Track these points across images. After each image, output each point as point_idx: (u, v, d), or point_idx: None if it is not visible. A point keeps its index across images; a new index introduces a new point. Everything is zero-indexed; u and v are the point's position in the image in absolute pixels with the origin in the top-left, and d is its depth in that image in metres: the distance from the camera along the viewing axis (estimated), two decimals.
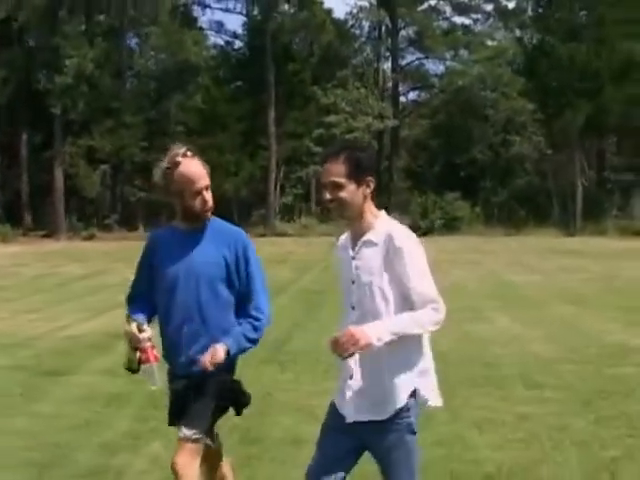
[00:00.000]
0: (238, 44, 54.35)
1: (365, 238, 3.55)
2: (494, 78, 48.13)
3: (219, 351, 3.83)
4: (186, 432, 3.86)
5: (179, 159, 3.88)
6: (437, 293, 3.47)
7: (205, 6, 54.86)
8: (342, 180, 3.47)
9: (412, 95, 57.62)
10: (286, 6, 49.30)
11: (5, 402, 7.67)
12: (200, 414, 3.92)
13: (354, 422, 3.50)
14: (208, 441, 3.93)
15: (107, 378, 8.49)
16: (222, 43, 54.88)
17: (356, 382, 3.52)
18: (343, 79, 48.98)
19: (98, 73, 42.27)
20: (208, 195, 3.95)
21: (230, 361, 3.95)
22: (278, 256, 25.07)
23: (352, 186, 3.48)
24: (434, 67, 56.16)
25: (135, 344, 3.93)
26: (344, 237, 3.74)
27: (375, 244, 3.51)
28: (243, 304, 4.03)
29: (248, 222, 44.94)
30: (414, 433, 3.48)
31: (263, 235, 41.39)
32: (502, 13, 55.20)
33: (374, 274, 3.48)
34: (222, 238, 4.02)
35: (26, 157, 45.42)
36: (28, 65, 43.72)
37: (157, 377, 3.91)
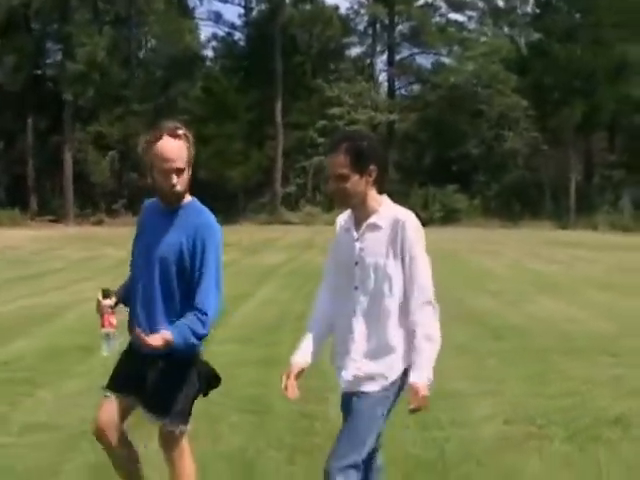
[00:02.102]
0: (238, 35, 55.67)
1: (370, 221, 3.62)
2: (489, 75, 49.52)
3: (160, 338, 3.70)
4: (157, 422, 3.94)
5: (162, 134, 3.79)
6: (433, 292, 3.61)
7: None
8: (345, 171, 3.54)
9: (405, 90, 58.75)
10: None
11: None
12: (177, 399, 3.90)
13: (347, 394, 3.70)
14: (183, 426, 3.97)
15: None
16: (222, 34, 56.03)
17: (354, 359, 3.64)
18: (343, 72, 50.38)
19: (108, 61, 43.12)
20: (176, 179, 3.81)
21: (182, 352, 3.82)
22: (304, 242, 26.12)
23: (356, 176, 3.55)
24: (427, 62, 56.76)
25: (98, 310, 4.04)
26: (345, 218, 3.78)
27: (380, 227, 3.60)
28: (192, 295, 3.83)
29: (254, 210, 46.23)
30: (387, 405, 3.63)
31: (270, 223, 42.63)
32: (495, 11, 56.73)
33: (378, 256, 3.57)
34: (186, 225, 3.87)
35: (32, 142, 46.19)
36: (37, 52, 44.50)
37: (108, 344, 4.01)
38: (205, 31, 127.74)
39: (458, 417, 6.73)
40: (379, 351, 3.61)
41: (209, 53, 56.28)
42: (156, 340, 3.66)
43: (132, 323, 3.96)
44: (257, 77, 45.84)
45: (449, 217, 43.57)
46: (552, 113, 46.24)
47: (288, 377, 3.74)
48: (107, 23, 45.34)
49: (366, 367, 3.61)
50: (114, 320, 4.02)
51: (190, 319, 3.77)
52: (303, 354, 3.79)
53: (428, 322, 3.57)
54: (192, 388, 3.93)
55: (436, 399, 7.09)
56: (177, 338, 3.71)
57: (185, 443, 3.98)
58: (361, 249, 3.62)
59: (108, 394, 3.94)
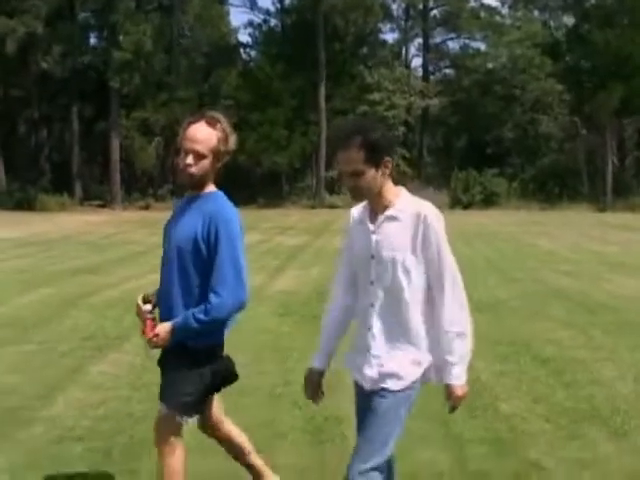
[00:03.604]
0: (274, 22, 56.42)
1: (387, 213, 3.46)
2: (525, 60, 50.01)
3: (163, 330, 3.85)
4: (160, 407, 4.00)
5: (199, 119, 3.86)
6: (461, 283, 3.49)
7: None
8: (361, 167, 3.37)
9: (439, 74, 59.20)
10: None
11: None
12: (179, 390, 3.93)
13: (369, 392, 3.52)
14: (182, 418, 4.00)
15: None
16: (258, 21, 56.77)
17: (374, 355, 3.50)
18: (380, 58, 51.15)
19: (153, 48, 43.94)
20: (192, 160, 3.83)
21: (198, 349, 3.91)
22: None
23: (372, 171, 3.39)
24: (461, 47, 57.19)
25: (139, 316, 3.99)
26: (359, 210, 3.63)
27: (398, 219, 3.44)
28: (207, 285, 3.85)
29: (297, 194, 47.08)
30: (408, 405, 3.51)
31: (313, 207, 43.51)
32: None
33: (396, 249, 3.42)
34: (203, 213, 3.86)
35: (77, 130, 47.16)
36: (82, 41, 45.41)
37: (148, 349, 3.97)
38: (238, 18, 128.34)
39: (592, 378, 7.52)
40: (401, 347, 3.47)
41: (246, 39, 56.98)
42: (162, 336, 3.84)
43: (159, 315, 4.00)
44: (300, 64, 46.47)
45: (489, 200, 44.24)
46: (588, 97, 46.64)
47: (310, 386, 3.75)
48: (150, 11, 46.02)
49: (389, 364, 3.46)
50: (154, 324, 3.91)
51: (199, 308, 3.80)
52: (321, 358, 3.73)
53: (458, 318, 3.44)
54: (202, 383, 3.91)
55: (564, 364, 8.00)
56: (179, 326, 3.81)
57: (178, 441, 3.96)
58: (377, 242, 3.46)
59: None
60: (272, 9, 56.35)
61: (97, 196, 47.18)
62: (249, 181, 45.57)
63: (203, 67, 49.26)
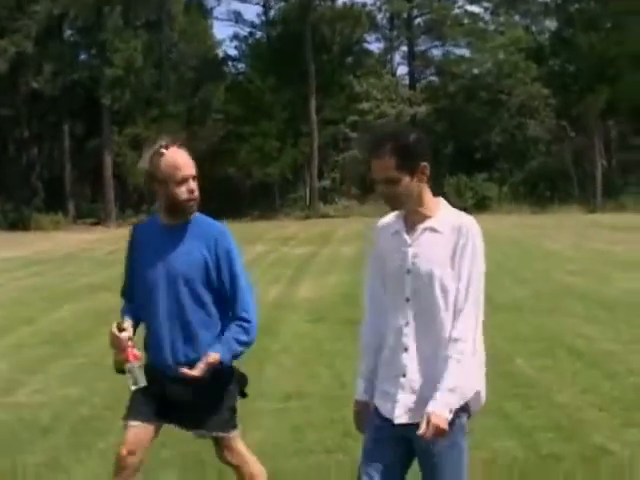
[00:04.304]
0: (259, 34, 56.73)
1: (427, 224, 3.20)
2: (510, 65, 50.52)
3: (204, 366, 3.72)
4: (223, 434, 3.92)
5: (165, 148, 3.74)
6: (482, 306, 3.17)
7: None
8: (395, 174, 3.14)
9: (425, 82, 59.54)
10: None
11: None
12: (221, 410, 3.90)
13: (403, 425, 3.17)
14: (235, 429, 3.99)
15: None
16: (244, 33, 57.06)
17: (410, 380, 3.17)
18: (366, 67, 51.61)
19: (143, 64, 44.20)
20: (194, 185, 3.79)
21: (225, 367, 3.84)
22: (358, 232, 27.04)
23: (407, 178, 3.15)
24: (446, 54, 57.60)
25: (115, 344, 3.82)
26: (391, 220, 3.36)
27: (439, 232, 3.18)
28: (229, 305, 3.85)
29: (289, 205, 47.38)
30: (465, 434, 3.20)
31: (308, 217, 43.81)
32: (509, 2, 57.64)
33: (435, 264, 3.14)
34: (202, 235, 3.82)
35: (69, 147, 47.29)
36: (73, 58, 45.67)
37: (138, 376, 3.78)
38: (222, 31, 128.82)
39: (631, 368, 7.85)
40: (440, 372, 3.09)
41: (232, 52, 57.35)
42: (201, 370, 3.69)
43: (155, 347, 3.89)
44: (289, 75, 46.84)
45: (480, 204, 44.65)
46: (575, 100, 47.20)
47: (361, 419, 3.43)
48: (139, 27, 46.32)
49: (428, 390, 3.10)
50: (137, 352, 3.80)
51: (234, 330, 3.78)
52: (367, 388, 3.38)
53: (464, 344, 3.09)
54: (233, 397, 3.96)
55: (598, 356, 8.32)
56: (225, 354, 3.75)
57: (242, 447, 4.01)
58: (415, 255, 3.18)
59: (134, 424, 3.87)
60: (257, 21, 56.54)
61: (90, 214, 47.24)
62: (239, 193, 45.82)
63: (192, 81, 49.49)
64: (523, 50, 50.93)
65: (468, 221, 3.19)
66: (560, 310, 11.55)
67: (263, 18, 56.05)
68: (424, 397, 3.09)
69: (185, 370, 3.69)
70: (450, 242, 3.14)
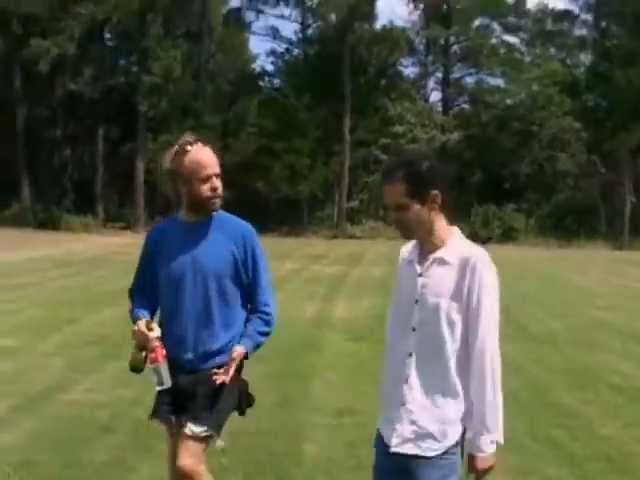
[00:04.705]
0: (296, 51, 57.29)
1: (437, 255, 3.18)
2: (544, 98, 50.68)
3: (237, 354, 3.81)
4: (195, 429, 3.81)
5: (189, 146, 3.79)
6: (497, 344, 3.16)
7: (258, 12, 57.39)
8: (405, 201, 3.12)
9: (458, 109, 59.84)
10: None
11: None
12: (219, 410, 3.88)
13: (400, 454, 3.16)
14: (217, 438, 3.99)
15: None
16: (281, 50, 57.59)
17: (408, 410, 3.17)
18: (401, 91, 51.93)
19: (181, 74, 44.74)
20: (218, 183, 3.83)
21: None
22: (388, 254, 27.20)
23: (417, 205, 3.12)
24: (480, 83, 57.86)
25: (144, 343, 3.82)
26: (409, 248, 3.37)
27: (448, 263, 3.16)
28: (251, 300, 3.96)
29: (317, 224, 47.61)
30: (455, 473, 3.16)
31: (335, 237, 44.04)
32: (546, 34, 57.91)
33: (443, 296, 3.13)
34: (230, 232, 3.90)
35: (102, 151, 47.84)
36: (114, 64, 46.28)
37: (165, 377, 3.80)
38: (259, 46, 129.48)
39: None
40: (439, 404, 3.13)
41: (268, 67, 57.88)
42: (229, 372, 3.77)
43: (178, 342, 3.89)
44: (325, 94, 47.21)
45: (507, 235, 44.77)
46: (607, 136, 47.28)
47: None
48: (179, 37, 46.89)
49: (425, 422, 3.13)
50: (164, 351, 3.81)
51: (256, 322, 3.91)
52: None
53: (484, 385, 3.10)
54: (232, 403, 3.94)
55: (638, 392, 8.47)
56: (249, 346, 3.86)
57: (203, 462, 3.91)
58: (424, 286, 3.17)
59: (171, 422, 3.97)
60: (294, 38, 57.09)
61: (118, 218, 47.68)
62: (267, 208, 46.07)
63: (228, 94, 50.00)
64: (558, 83, 51.08)
65: (477, 253, 3.15)
66: (596, 344, 11.69)
67: (300, 36, 56.69)
68: (422, 428, 3.12)
69: (218, 376, 3.74)
70: (456, 273, 3.12)
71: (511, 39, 58.94)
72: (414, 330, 3.18)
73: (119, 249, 29.46)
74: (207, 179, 3.78)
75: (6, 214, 45.10)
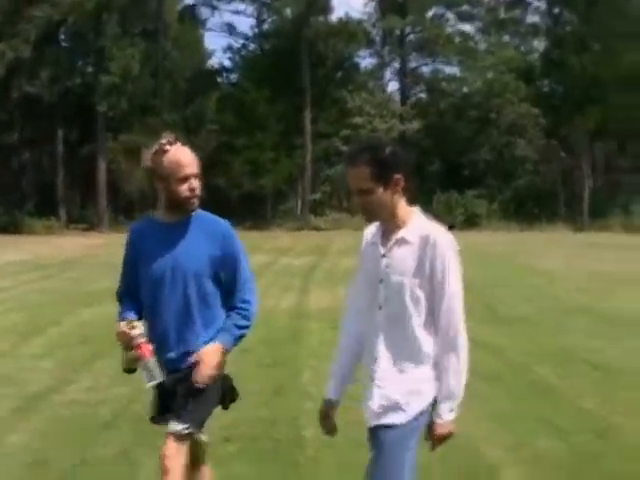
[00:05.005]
0: (252, 46, 57.39)
1: (398, 236, 3.30)
2: (500, 85, 51.30)
3: (214, 355, 3.83)
4: (176, 427, 3.78)
5: (168, 145, 3.79)
6: (462, 318, 3.28)
7: (213, 8, 57.34)
8: (369, 185, 3.23)
9: (415, 99, 60.28)
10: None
11: None
12: (199, 408, 3.85)
13: (371, 428, 3.34)
14: (199, 435, 3.97)
15: None
16: (237, 45, 57.67)
17: (378, 385, 3.33)
18: (358, 82, 52.38)
19: (139, 72, 44.62)
20: (196, 183, 3.81)
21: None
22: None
23: (380, 189, 3.23)
24: (436, 72, 58.36)
25: (128, 342, 3.81)
26: (372, 231, 3.48)
27: (409, 242, 3.27)
28: (230, 297, 3.95)
29: (281, 217, 47.84)
30: (415, 437, 3.32)
31: (300, 229, 44.31)
32: (500, 22, 58.54)
33: (406, 274, 3.25)
34: (209, 232, 3.89)
35: (62, 153, 47.57)
36: (70, 65, 46.02)
37: (156, 372, 3.78)
38: (215, 42, 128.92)
39: None
40: (406, 377, 3.29)
41: (225, 63, 57.94)
42: (212, 366, 3.81)
43: (161, 343, 3.89)
44: (284, 88, 47.42)
45: (470, 221, 45.43)
46: (564, 121, 48.05)
47: (325, 418, 3.62)
48: (136, 35, 46.76)
49: (393, 395, 3.28)
50: (151, 347, 3.82)
51: (233, 317, 3.91)
52: (335, 390, 3.58)
53: (449, 354, 3.26)
54: (215, 399, 3.95)
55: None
56: (228, 340, 3.88)
57: (185, 458, 3.86)
58: (387, 265, 3.30)
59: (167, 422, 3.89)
60: (250, 33, 57.19)
61: (81, 219, 47.51)
62: (229, 204, 46.13)
63: (185, 91, 49.95)
64: (513, 70, 51.73)
65: (437, 232, 3.27)
66: (565, 325, 12.07)
67: (256, 30, 56.81)
68: (389, 400, 3.27)
69: (196, 381, 3.77)
70: (417, 251, 3.24)
71: (466, 28, 59.58)
72: (380, 309, 3.32)
73: (88, 250, 29.44)
74: (185, 179, 3.76)
75: None
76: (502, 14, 58.38)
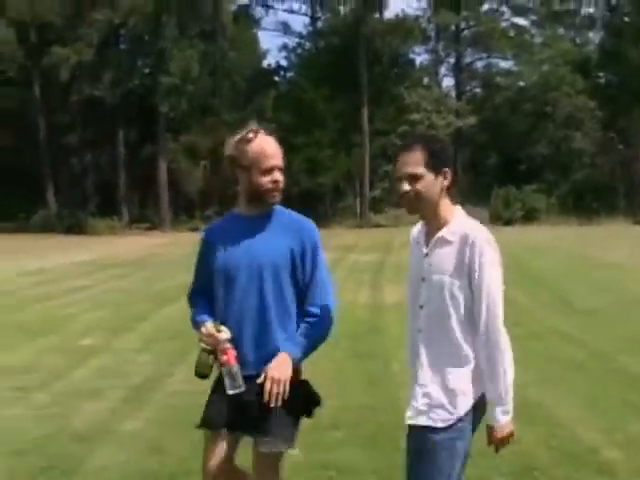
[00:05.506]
0: (308, 45, 57.78)
1: (439, 235, 3.31)
2: (557, 78, 51.03)
3: (283, 369, 3.57)
4: (270, 448, 3.59)
5: (253, 134, 3.65)
6: (502, 318, 3.26)
7: (268, 7, 57.93)
8: (420, 170, 3.24)
9: (471, 94, 60.18)
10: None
11: None
12: (289, 422, 3.65)
13: (413, 427, 3.32)
14: (292, 448, 3.70)
15: None
16: (293, 44, 58.13)
17: (421, 385, 3.32)
18: (414, 79, 52.52)
19: (199, 73, 45.32)
20: (280, 176, 3.68)
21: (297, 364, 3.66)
22: None
23: (430, 176, 3.25)
24: (492, 66, 58.20)
25: (214, 346, 3.64)
26: (417, 230, 3.52)
27: (450, 242, 3.28)
28: (305, 299, 3.72)
29: (340, 214, 48.19)
30: (464, 438, 3.31)
31: (360, 226, 44.59)
32: (556, 15, 58.05)
33: (445, 274, 3.26)
34: (290, 227, 3.72)
35: (123, 153, 48.49)
36: (131, 67, 46.91)
37: (239, 380, 3.59)
38: (268, 42, 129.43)
39: None
40: (449, 376, 3.28)
41: (281, 62, 58.43)
42: (282, 382, 3.55)
43: (235, 343, 3.66)
44: (341, 86, 47.74)
45: (529, 216, 45.26)
46: (622, 112, 47.64)
47: None
48: (194, 37, 47.48)
49: (437, 394, 3.28)
50: (236, 353, 3.63)
51: (302, 326, 3.69)
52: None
53: (489, 356, 3.24)
54: (300, 410, 3.72)
55: None
56: (299, 350, 3.64)
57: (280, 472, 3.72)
58: (429, 265, 3.32)
59: (219, 432, 3.71)
60: (304, 32, 57.63)
61: (142, 219, 48.31)
62: (288, 202, 46.45)
63: (244, 91, 50.60)
64: (569, 63, 51.44)
65: (477, 232, 3.26)
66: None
67: (310, 29, 57.20)
68: (434, 399, 3.26)
69: (267, 384, 3.53)
70: (457, 251, 3.24)
71: (520, 21, 59.24)
72: (421, 308, 3.34)
73: (154, 249, 30.05)
74: (269, 170, 3.63)
75: (33, 221, 45.73)
76: (556, 6, 57.91)
